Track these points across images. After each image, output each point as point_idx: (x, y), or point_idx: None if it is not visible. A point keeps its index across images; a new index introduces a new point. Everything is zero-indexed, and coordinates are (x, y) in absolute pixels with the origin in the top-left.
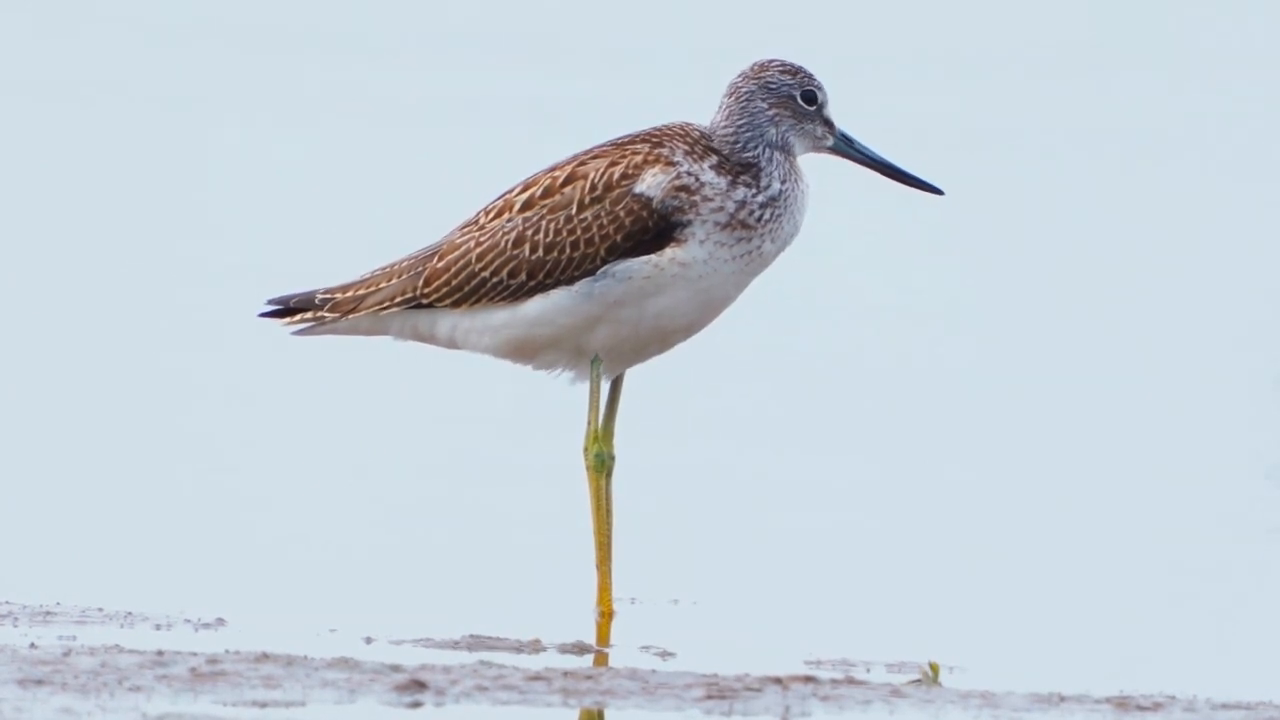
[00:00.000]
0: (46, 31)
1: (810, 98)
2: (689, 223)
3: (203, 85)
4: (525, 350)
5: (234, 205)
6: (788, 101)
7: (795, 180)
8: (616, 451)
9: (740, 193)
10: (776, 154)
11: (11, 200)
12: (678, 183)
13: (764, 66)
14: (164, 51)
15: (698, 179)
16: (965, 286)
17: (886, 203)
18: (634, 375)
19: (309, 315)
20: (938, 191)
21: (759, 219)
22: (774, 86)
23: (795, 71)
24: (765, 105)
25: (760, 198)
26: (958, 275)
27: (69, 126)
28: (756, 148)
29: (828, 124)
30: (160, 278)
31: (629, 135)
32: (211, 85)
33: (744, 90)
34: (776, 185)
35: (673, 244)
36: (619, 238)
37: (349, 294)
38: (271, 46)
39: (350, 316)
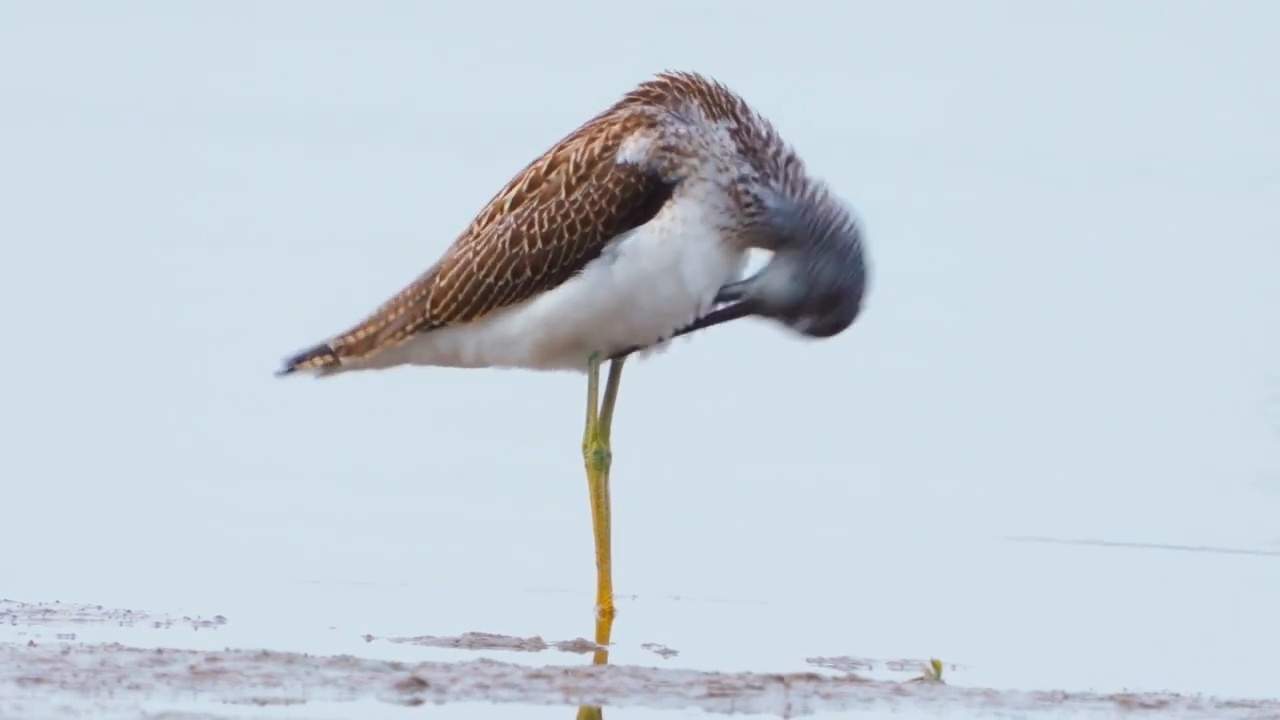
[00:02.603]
0: (44, 49)
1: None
2: (686, 178)
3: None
4: (552, 354)
5: (238, 222)
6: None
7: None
8: (613, 448)
9: (746, 168)
10: (787, 190)
11: (10, 208)
12: (662, 143)
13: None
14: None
15: (691, 139)
16: (967, 288)
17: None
18: (632, 368)
19: (327, 361)
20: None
21: (745, 204)
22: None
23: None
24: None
25: (756, 189)
26: (959, 278)
27: (65, 143)
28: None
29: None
30: (159, 280)
31: (626, 94)
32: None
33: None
34: (772, 203)
35: (670, 202)
36: (613, 209)
37: (361, 335)
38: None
39: (369, 355)
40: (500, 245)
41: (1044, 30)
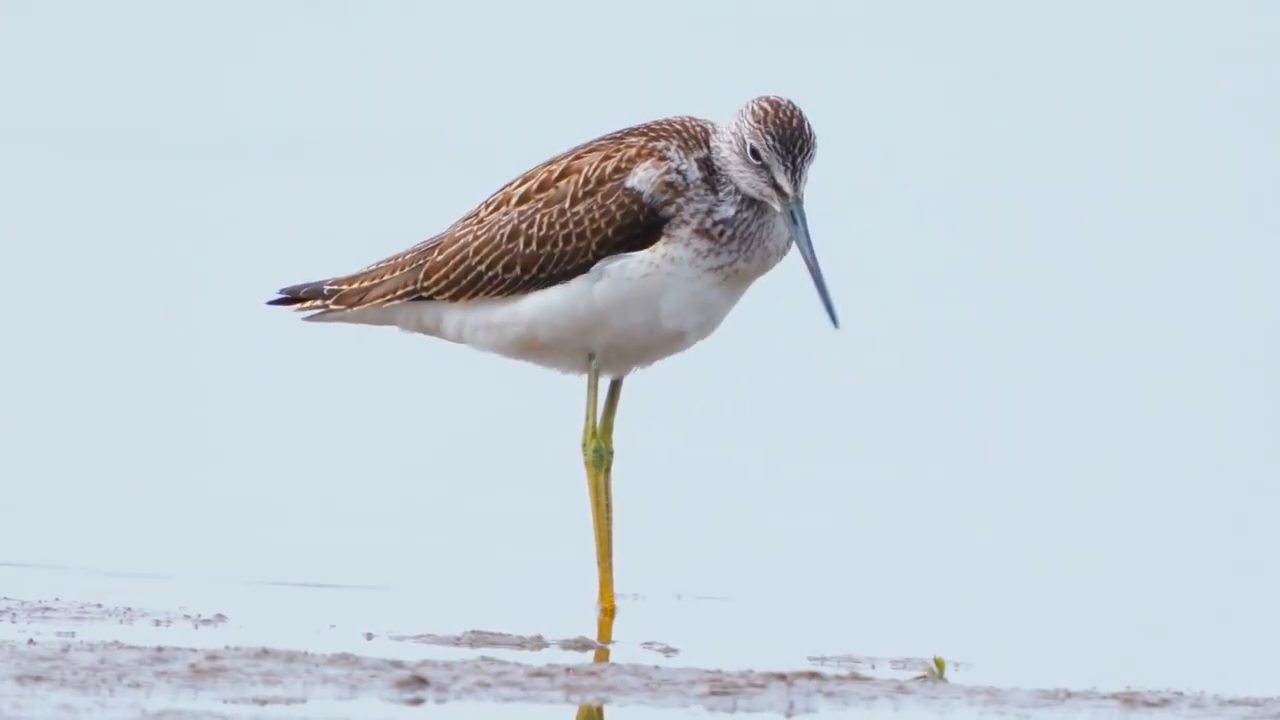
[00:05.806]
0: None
1: (754, 153)
2: (677, 220)
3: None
4: (529, 350)
5: (241, 207)
6: (739, 142)
7: (755, 214)
8: (617, 446)
9: (710, 197)
10: (730, 185)
11: (9, 202)
12: (666, 178)
13: (758, 100)
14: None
15: (685, 177)
16: (969, 286)
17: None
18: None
19: (317, 304)
20: (834, 323)
21: (721, 233)
22: (740, 122)
23: (764, 118)
24: (729, 134)
25: (720, 211)
26: (963, 274)
27: (66, 131)
28: (721, 167)
29: (775, 188)
30: (160, 276)
31: (628, 128)
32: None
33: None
34: (729, 210)
35: (664, 240)
36: (609, 231)
37: (355, 285)
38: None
39: (356, 308)
40: (498, 237)
41: (1059, 24)
